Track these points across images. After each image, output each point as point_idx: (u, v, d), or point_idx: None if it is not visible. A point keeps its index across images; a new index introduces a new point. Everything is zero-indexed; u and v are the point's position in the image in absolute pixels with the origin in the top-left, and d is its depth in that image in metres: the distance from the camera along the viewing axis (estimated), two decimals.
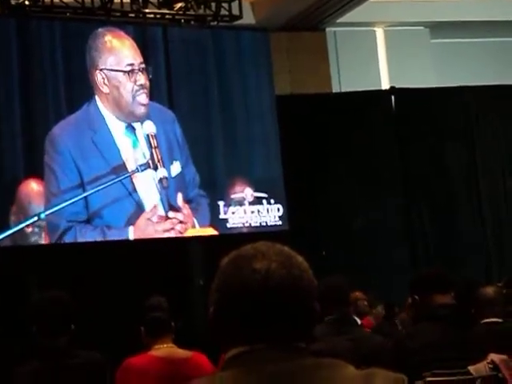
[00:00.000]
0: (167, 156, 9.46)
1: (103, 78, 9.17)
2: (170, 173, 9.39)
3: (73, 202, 8.71)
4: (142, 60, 9.37)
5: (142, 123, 9.27)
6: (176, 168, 9.51)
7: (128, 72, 9.22)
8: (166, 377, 4.41)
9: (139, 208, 9.19)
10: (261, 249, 1.64)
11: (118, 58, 9.27)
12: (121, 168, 9.08)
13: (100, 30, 9.35)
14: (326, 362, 1.60)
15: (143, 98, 9.25)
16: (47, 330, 3.98)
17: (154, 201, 9.26)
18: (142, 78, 9.25)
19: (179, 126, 9.67)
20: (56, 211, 8.66)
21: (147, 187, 9.20)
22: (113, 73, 9.21)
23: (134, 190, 9.13)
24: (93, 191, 8.84)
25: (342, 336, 4.44)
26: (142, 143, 9.24)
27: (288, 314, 1.59)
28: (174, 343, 4.60)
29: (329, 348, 3.96)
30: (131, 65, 9.25)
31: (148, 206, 9.22)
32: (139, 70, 9.27)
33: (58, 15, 9.49)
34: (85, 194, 8.82)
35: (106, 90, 9.18)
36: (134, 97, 9.22)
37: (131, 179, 9.11)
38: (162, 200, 9.30)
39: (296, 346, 1.60)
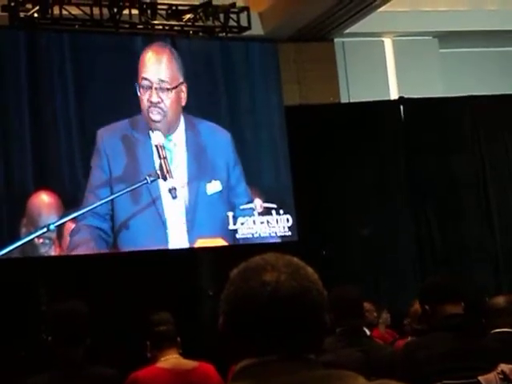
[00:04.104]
0: (208, 174, 9.59)
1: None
2: (205, 190, 9.50)
3: (81, 214, 8.80)
4: (166, 78, 9.43)
5: (171, 133, 9.41)
6: (214, 186, 9.56)
7: (142, 87, 9.29)
8: None
9: (162, 225, 9.27)
10: (270, 260, 1.64)
11: (139, 70, 9.36)
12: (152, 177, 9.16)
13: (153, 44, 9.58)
14: (337, 373, 1.59)
15: (155, 115, 9.32)
16: (64, 341, 3.85)
17: (177, 218, 9.35)
18: (155, 96, 9.30)
19: (234, 147, 9.79)
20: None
21: (173, 205, 9.30)
22: (136, 83, 9.35)
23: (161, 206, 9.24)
24: (108, 199, 8.94)
25: (353, 347, 4.42)
26: (176, 155, 9.36)
27: (297, 326, 1.58)
28: (181, 356, 4.58)
29: (339, 359, 3.95)
30: (147, 80, 9.33)
31: (170, 224, 9.29)
32: (156, 87, 9.32)
33: (67, 27, 9.52)
34: (97, 204, 8.86)
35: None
36: (147, 111, 9.29)
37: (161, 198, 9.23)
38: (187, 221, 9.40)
39: (306, 358, 1.59)
